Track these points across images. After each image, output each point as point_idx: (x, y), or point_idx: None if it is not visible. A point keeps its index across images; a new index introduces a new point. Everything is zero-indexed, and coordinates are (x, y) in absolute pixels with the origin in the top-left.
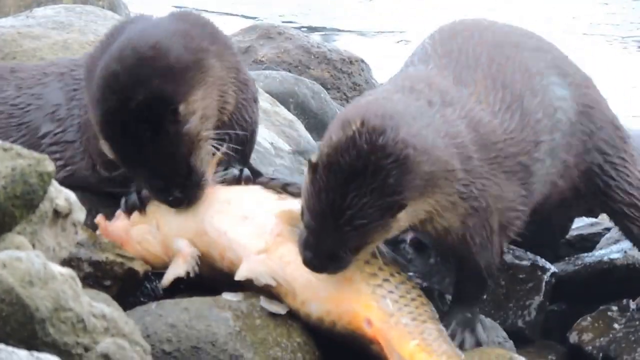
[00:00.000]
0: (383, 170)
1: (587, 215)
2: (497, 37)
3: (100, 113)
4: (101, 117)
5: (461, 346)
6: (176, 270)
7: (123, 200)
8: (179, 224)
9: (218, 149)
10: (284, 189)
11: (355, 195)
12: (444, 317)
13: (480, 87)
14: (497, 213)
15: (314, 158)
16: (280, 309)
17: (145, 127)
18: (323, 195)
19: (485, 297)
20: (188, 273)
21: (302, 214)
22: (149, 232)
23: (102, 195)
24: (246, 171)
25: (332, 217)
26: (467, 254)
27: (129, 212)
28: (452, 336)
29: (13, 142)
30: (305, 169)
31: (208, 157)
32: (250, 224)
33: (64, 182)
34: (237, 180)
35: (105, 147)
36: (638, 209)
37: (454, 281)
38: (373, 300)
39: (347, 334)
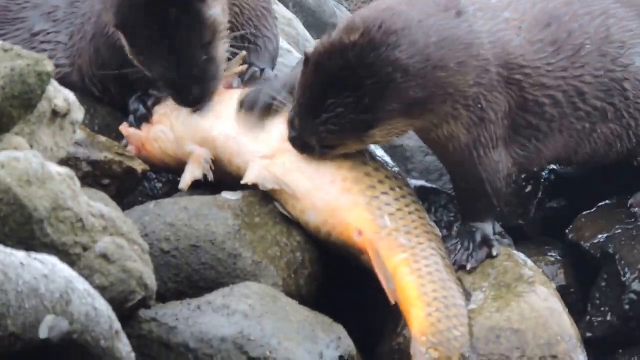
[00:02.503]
0: (362, 88)
1: None
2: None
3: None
4: (122, 2)
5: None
6: (192, 172)
7: (131, 117)
8: (189, 128)
9: (235, 54)
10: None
11: (332, 102)
12: (454, 234)
13: (529, 17)
14: (504, 128)
15: (308, 51)
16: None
17: (168, 5)
18: (306, 91)
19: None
20: (205, 175)
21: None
22: (164, 132)
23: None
24: (267, 71)
25: (310, 113)
26: (470, 165)
27: (139, 124)
28: (466, 252)
29: (5, 34)
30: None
31: (224, 56)
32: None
33: None
34: (256, 79)
35: (122, 38)
36: None
37: (458, 200)
38: (367, 212)
39: (340, 244)
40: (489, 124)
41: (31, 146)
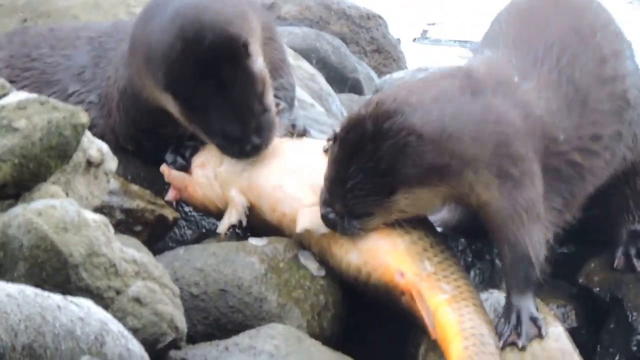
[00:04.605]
0: (379, 152)
1: None
2: (574, 17)
3: (171, 62)
4: (173, 65)
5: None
6: (230, 218)
7: (170, 167)
8: (234, 176)
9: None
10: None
11: (355, 168)
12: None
13: (543, 82)
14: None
15: (337, 129)
16: (316, 270)
17: (221, 64)
18: (333, 164)
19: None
20: (240, 221)
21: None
22: (207, 177)
23: None
24: (300, 124)
25: (338, 183)
26: (514, 234)
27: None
28: (515, 331)
29: None
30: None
31: (274, 105)
32: (303, 178)
33: None
34: (290, 132)
35: (171, 100)
36: None
37: (504, 272)
38: (407, 255)
39: (380, 285)
40: (527, 191)
41: (67, 195)
